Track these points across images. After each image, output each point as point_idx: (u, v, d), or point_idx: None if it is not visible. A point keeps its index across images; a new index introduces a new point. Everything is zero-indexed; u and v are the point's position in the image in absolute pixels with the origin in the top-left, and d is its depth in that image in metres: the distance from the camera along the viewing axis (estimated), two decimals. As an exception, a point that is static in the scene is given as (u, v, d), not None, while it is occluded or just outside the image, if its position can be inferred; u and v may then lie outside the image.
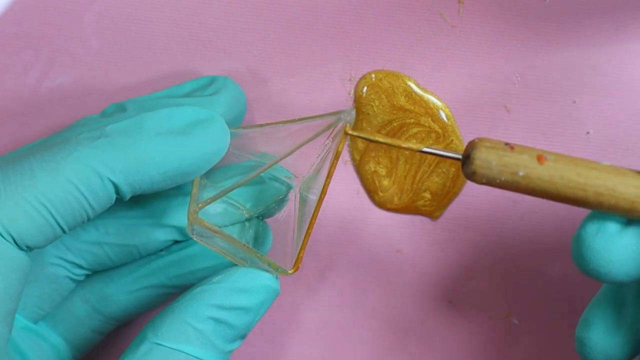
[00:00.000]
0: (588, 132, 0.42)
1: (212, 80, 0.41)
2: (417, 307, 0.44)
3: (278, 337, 0.44)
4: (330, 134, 0.37)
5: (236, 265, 0.37)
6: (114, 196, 0.35)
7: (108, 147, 0.35)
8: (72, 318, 0.41)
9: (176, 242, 0.40)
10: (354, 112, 0.37)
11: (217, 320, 0.36)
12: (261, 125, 0.38)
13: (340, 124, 0.37)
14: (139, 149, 0.35)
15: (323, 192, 0.37)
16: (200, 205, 0.36)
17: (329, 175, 0.37)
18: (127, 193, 0.35)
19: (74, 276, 0.40)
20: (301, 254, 0.37)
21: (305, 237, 0.37)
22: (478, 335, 0.44)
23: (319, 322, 0.44)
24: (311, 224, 0.37)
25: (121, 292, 0.41)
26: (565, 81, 0.42)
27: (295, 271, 0.37)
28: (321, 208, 0.43)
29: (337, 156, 0.37)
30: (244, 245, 0.37)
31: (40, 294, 0.39)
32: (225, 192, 0.37)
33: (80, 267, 0.40)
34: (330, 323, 0.44)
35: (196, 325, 0.36)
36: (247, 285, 0.36)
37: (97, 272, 0.41)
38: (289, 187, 0.40)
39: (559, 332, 0.44)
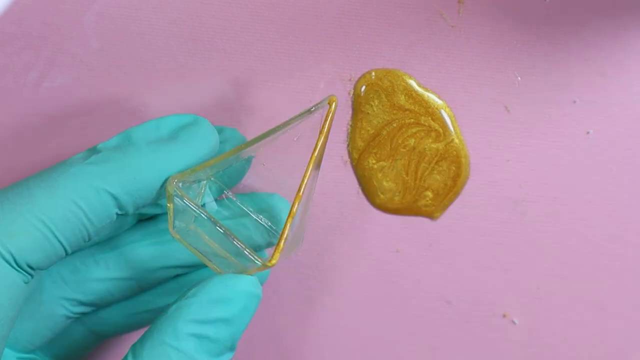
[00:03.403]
0: (588, 132, 0.42)
1: (220, 130, 0.40)
2: (417, 307, 0.44)
3: (278, 337, 0.44)
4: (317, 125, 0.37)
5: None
6: (114, 210, 0.35)
7: (101, 162, 0.35)
8: (67, 339, 0.40)
9: (177, 276, 0.40)
10: (335, 97, 0.37)
11: (198, 336, 0.34)
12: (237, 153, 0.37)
13: (322, 110, 0.37)
14: (132, 158, 0.35)
15: (305, 176, 0.36)
16: (177, 177, 0.36)
17: (309, 164, 0.36)
18: (128, 204, 0.35)
19: (71, 314, 0.39)
20: (280, 245, 0.35)
21: (284, 228, 0.35)
22: (478, 335, 0.44)
23: (319, 322, 0.44)
24: (290, 214, 0.35)
25: (118, 316, 0.40)
26: (565, 81, 0.42)
27: (274, 264, 0.34)
28: (321, 208, 0.43)
29: (317, 146, 0.36)
30: (225, 229, 0.35)
31: (33, 330, 0.38)
32: (204, 166, 0.36)
33: (81, 303, 0.39)
34: (329, 323, 0.44)
35: (177, 345, 0.34)
36: (224, 295, 0.34)
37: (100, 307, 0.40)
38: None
39: (558, 331, 0.44)
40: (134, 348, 0.35)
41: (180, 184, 0.36)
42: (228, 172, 0.40)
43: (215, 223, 0.35)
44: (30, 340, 0.39)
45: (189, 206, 0.35)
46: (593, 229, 0.43)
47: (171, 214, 0.36)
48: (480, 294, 0.44)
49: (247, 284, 0.35)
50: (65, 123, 0.42)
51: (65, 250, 0.35)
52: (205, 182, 0.39)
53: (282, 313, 0.44)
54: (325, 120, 0.37)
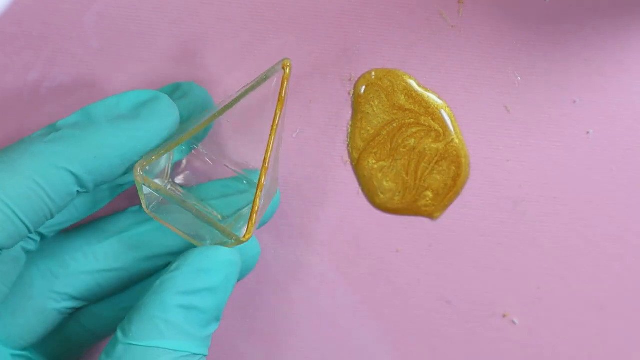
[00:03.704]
0: (588, 132, 0.42)
1: (177, 87, 0.41)
2: (417, 307, 0.44)
3: (278, 337, 0.44)
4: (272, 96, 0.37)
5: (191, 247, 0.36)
6: (75, 188, 0.35)
7: (60, 140, 0.35)
8: (61, 337, 0.40)
9: (168, 264, 0.40)
10: (288, 60, 0.37)
11: (186, 307, 0.35)
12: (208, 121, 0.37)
13: (278, 75, 0.37)
14: (91, 136, 0.35)
15: (269, 147, 0.36)
16: (142, 163, 0.35)
17: (271, 134, 0.36)
18: (88, 182, 0.35)
19: (62, 309, 0.39)
20: (253, 219, 0.35)
21: (254, 201, 0.35)
22: (478, 335, 0.44)
23: (319, 322, 0.44)
24: (259, 186, 0.35)
25: (110, 310, 0.40)
26: (565, 81, 0.42)
27: (249, 238, 0.35)
28: (321, 208, 0.43)
29: (279, 105, 0.36)
30: (196, 209, 0.35)
31: (25, 325, 0.39)
32: (173, 146, 0.36)
33: (71, 297, 0.39)
34: (330, 323, 0.44)
35: (166, 317, 0.34)
36: (207, 265, 0.35)
37: (92, 302, 0.40)
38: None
39: (558, 331, 0.44)
40: (122, 326, 0.35)
41: (148, 167, 0.36)
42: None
43: (185, 205, 0.35)
44: (23, 336, 0.39)
45: (156, 193, 0.35)
46: (593, 229, 0.43)
47: (143, 198, 0.36)
48: (480, 294, 0.44)
49: (226, 253, 0.36)
50: (65, 123, 0.42)
51: (28, 229, 0.34)
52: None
53: (282, 313, 0.44)
54: (282, 86, 0.36)
